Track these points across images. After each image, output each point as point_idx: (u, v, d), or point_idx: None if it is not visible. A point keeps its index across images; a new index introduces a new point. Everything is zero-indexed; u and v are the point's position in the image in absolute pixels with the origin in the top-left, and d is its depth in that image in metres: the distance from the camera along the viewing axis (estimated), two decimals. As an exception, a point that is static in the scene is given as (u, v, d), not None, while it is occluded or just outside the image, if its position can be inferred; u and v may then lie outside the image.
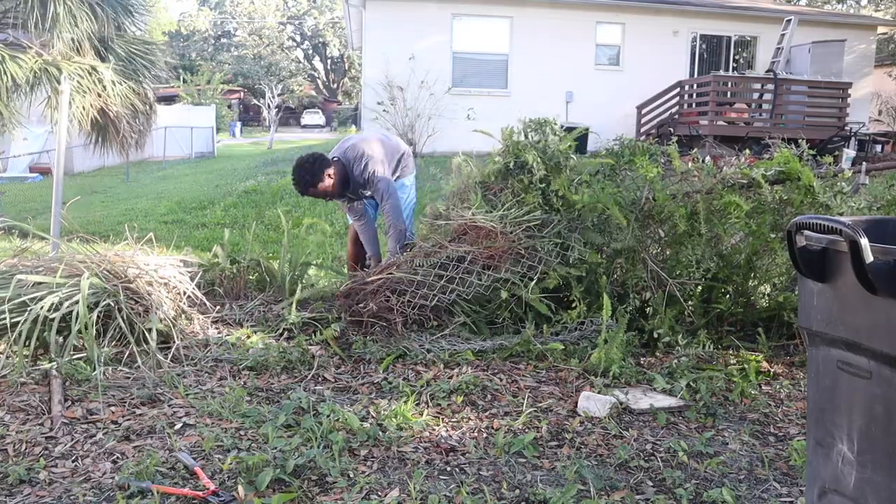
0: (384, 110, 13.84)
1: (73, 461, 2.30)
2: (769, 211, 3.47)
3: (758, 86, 14.03)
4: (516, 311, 3.60)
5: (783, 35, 14.14)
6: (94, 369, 2.92)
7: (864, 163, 10.63)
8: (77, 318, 2.99)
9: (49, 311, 2.99)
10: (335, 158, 4.04)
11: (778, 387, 3.08)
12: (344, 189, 4.05)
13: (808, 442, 1.66)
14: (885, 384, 1.38)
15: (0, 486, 2.13)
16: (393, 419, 2.62)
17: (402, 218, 4.04)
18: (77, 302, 3.02)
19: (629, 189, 3.69)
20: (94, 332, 3.16)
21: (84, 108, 5.83)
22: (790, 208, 3.44)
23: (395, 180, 4.15)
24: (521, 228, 3.54)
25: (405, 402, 2.76)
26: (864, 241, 1.35)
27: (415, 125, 13.38)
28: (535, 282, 3.48)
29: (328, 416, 2.61)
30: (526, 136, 3.78)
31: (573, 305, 3.47)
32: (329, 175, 3.94)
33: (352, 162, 4.01)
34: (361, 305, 3.52)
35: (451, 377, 3.07)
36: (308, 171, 3.91)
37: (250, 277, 4.28)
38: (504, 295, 3.48)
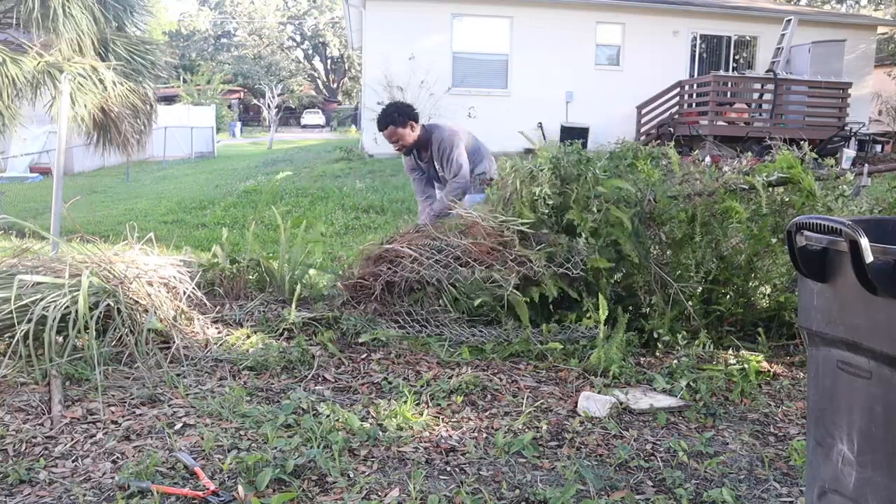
0: (384, 110, 13.81)
1: (73, 461, 2.30)
2: (770, 214, 3.47)
3: (758, 86, 14.04)
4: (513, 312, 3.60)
5: (783, 35, 14.15)
6: (94, 369, 2.92)
7: (865, 164, 10.63)
8: (76, 318, 2.99)
9: (49, 311, 2.99)
10: (423, 124, 4.39)
11: (778, 387, 3.09)
12: (414, 149, 4.39)
13: (808, 442, 1.66)
14: (885, 384, 1.38)
15: (0, 486, 2.13)
16: (393, 419, 2.62)
17: (458, 199, 4.25)
18: (77, 302, 3.02)
19: (630, 192, 3.68)
20: (94, 332, 3.16)
21: (86, 108, 5.83)
22: (792, 210, 3.44)
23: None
24: (513, 232, 3.55)
25: (405, 402, 2.76)
26: (864, 241, 1.35)
27: (415, 125, 13.39)
28: (514, 282, 3.45)
29: (328, 416, 2.61)
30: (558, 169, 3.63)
31: (586, 313, 3.43)
32: (412, 127, 4.28)
33: (438, 134, 4.31)
34: (358, 272, 3.70)
35: (451, 377, 3.07)
36: (401, 110, 4.27)
37: (250, 277, 4.28)
38: (485, 296, 3.49)
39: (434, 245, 3.65)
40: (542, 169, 3.56)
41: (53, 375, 2.88)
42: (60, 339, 3.07)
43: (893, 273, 1.33)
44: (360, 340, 3.45)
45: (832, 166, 3.66)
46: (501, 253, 3.51)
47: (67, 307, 3.03)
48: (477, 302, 3.49)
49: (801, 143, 3.68)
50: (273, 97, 31.69)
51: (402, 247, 3.69)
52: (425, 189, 4.57)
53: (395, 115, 4.27)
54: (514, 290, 3.41)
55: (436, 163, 4.43)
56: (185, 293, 3.59)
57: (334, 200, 9.80)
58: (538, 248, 3.48)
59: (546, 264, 3.41)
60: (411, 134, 4.31)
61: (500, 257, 3.50)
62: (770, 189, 3.50)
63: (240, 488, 2.07)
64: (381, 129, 4.34)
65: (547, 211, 3.56)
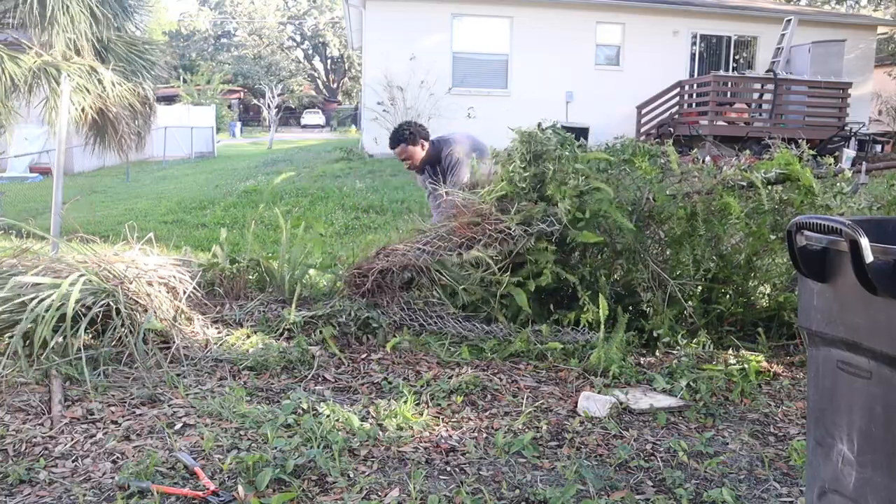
0: (384, 110, 13.84)
1: (73, 461, 2.30)
2: (769, 211, 3.46)
3: (758, 86, 14.04)
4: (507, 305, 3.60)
5: (783, 35, 14.15)
6: (94, 369, 2.92)
7: (864, 163, 10.64)
8: (73, 319, 2.99)
9: (47, 311, 2.99)
10: (432, 140, 4.54)
11: (778, 387, 3.09)
12: (426, 165, 4.54)
13: (808, 442, 1.66)
14: (885, 384, 1.38)
15: (0, 486, 2.13)
16: (393, 419, 2.62)
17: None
18: (76, 301, 3.02)
19: (629, 189, 3.68)
20: (94, 331, 3.16)
21: (83, 109, 5.83)
22: (790, 208, 3.44)
23: None
24: (489, 205, 3.55)
25: (405, 402, 2.76)
26: (864, 241, 1.35)
27: (415, 125, 13.41)
28: (509, 268, 3.46)
29: (328, 416, 2.61)
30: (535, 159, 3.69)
31: (583, 308, 3.43)
32: (423, 146, 4.46)
33: (448, 149, 4.45)
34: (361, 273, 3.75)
35: (451, 377, 3.07)
36: (412, 130, 4.46)
37: (250, 277, 4.28)
38: (477, 275, 3.49)
39: (421, 237, 3.71)
40: (516, 147, 3.61)
41: (53, 375, 2.88)
42: (61, 339, 3.07)
43: (893, 273, 1.32)
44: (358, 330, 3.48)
45: (830, 164, 3.66)
46: (481, 225, 3.53)
47: (65, 307, 3.03)
48: (453, 285, 3.52)
49: (801, 142, 3.68)
50: (273, 97, 31.67)
51: (397, 246, 3.76)
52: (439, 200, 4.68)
53: (407, 134, 4.44)
54: (511, 283, 3.42)
55: (441, 175, 4.55)
56: (184, 293, 3.59)
57: (334, 200, 9.80)
58: (514, 212, 3.52)
59: (524, 226, 3.43)
60: (420, 153, 4.47)
61: (480, 230, 3.52)
62: (769, 187, 3.50)
63: (240, 488, 2.07)
64: (392, 147, 4.50)
65: (523, 185, 3.58)
